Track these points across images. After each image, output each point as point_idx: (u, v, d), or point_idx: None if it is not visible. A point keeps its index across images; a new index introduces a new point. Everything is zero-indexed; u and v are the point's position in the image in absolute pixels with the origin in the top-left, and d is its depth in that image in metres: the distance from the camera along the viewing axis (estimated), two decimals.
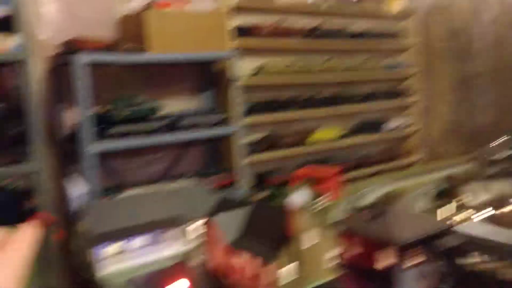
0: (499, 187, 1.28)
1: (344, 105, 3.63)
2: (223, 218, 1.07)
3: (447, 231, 0.74)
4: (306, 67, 3.41)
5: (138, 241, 1.18)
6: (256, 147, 3.10)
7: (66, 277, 2.39)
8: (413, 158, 4.09)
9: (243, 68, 2.99)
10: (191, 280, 0.94)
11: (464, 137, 3.97)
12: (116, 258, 1.15)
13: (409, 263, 0.70)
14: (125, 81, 2.64)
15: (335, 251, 1.03)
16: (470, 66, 4.02)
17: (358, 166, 3.46)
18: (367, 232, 0.71)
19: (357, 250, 0.74)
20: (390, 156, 3.91)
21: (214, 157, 3.03)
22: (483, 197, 1.24)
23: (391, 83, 4.12)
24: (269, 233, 0.98)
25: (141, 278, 1.12)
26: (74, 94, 2.13)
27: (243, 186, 2.73)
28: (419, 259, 0.71)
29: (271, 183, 3.02)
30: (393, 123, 3.98)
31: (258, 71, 3.15)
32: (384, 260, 0.70)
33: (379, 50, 3.97)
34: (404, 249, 0.69)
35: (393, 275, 0.69)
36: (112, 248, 1.14)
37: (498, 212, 1.15)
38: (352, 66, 3.70)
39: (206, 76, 2.96)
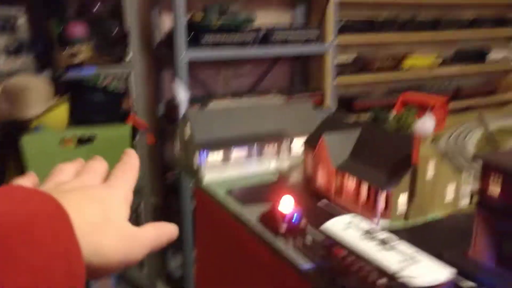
0: None
1: (445, 30, 3.33)
2: (332, 137, 1.01)
3: None
4: None
5: (239, 153, 1.15)
6: (345, 68, 2.96)
7: (154, 180, 2.51)
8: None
9: None
10: (295, 196, 0.90)
11: None
12: (217, 167, 1.14)
13: None
14: None
15: (460, 187, 0.95)
16: None
17: (454, 97, 3.22)
18: None
19: (503, 187, 0.66)
20: (489, 90, 3.61)
21: (302, 75, 2.93)
22: None
23: (499, 8, 3.71)
24: (387, 158, 0.91)
25: (242, 190, 1.11)
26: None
27: (330, 107, 2.65)
28: None
29: (360, 107, 2.90)
30: (496, 54, 3.63)
31: None
32: None
33: None
34: None
35: None
36: (213, 157, 1.13)
37: None
38: None
39: None
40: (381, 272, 0.59)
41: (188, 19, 2.18)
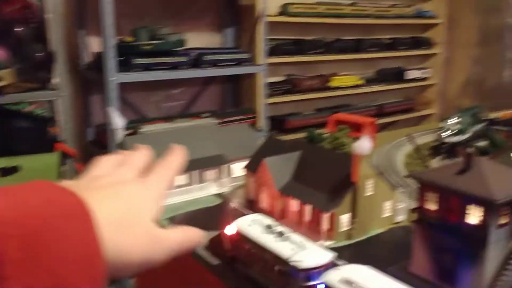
0: None
1: (366, 51, 3.52)
2: (273, 160, 1.03)
3: None
4: (331, 9, 3.26)
5: (180, 179, 1.14)
6: (275, 89, 3.03)
7: None
8: (429, 110, 4.03)
9: (269, 5, 2.84)
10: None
11: (484, 93, 3.88)
12: None
13: (498, 221, 0.66)
14: (146, 11, 2.52)
15: (397, 203, 1.00)
16: (498, 19, 3.86)
17: (377, 114, 3.40)
18: (455, 186, 0.66)
19: (438, 204, 0.70)
20: (408, 107, 3.85)
21: (234, 97, 2.96)
22: None
23: (415, 31, 3.98)
24: (328, 179, 0.94)
25: (184, 216, 1.09)
26: (99, 21, 2.03)
27: (263, 127, 2.69)
28: (507, 218, 0.67)
29: (290, 126, 2.97)
30: (412, 73, 3.89)
31: (283, 10, 3.01)
32: (474, 217, 0.66)
33: None
34: (497, 207, 0.65)
35: (481, 232, 0.66)
36: None
37: None
38: (378, 11, 3.55)
39: (231, 11, 2.83)
40: (277, 259, 0.69)
41: (118, 41, 2.13)
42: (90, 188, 0.35)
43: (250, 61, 2.61)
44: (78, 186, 0.34)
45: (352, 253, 0.89)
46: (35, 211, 0.29)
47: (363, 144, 0.88)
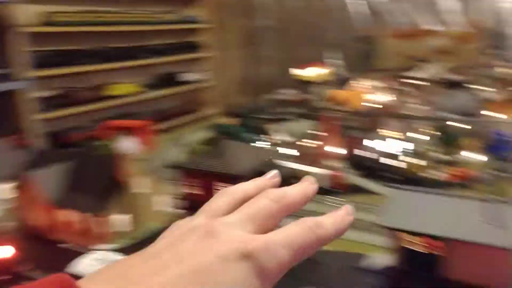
0: (296, 126, 1.47)
1: (140, 58, 3.56)
2: (41, 174, 0.98)
3: (273, 163, 0.83)
4: (95, 17, 3.19)
5: None
6: (49, 103, 2.83)
7: None
8: (209, 111, 4.29)
9: (26, 14, 2.64)
10: (13, 244, 0.85)
11: (254, 90, 4.32)
12: None
13: None
14: None
15: (168, 196, 1.06)
16: (253, 22, 4.33)
17: (160, 119, 3.47)
18: (206, 168, 0.75)
19: (198, 187, 0.78)
20: (187, 109, 4.03)
21: None
22: (285, 135, 1.41)
23: (185, 36, 4.18)
24: (96, 183, 0.94)
25: None
26: None
27: (37, 146, 2.49)
28: None
29: (71, 140, 2.82)
30: (188, 76, 4.08)
31: (47, 19, 2.82)
32: None
33: (171, 1, 3.97)
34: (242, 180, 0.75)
35: None
36: None
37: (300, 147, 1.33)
38: (147, 18, 3.62)
39: None
40: None
41: None
42: (149, 272, 0.25)
43: (9, 76, 2.38)
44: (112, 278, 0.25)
45: (136, 251, 0.91)
46: None
47: (126, 144, 0.91)
